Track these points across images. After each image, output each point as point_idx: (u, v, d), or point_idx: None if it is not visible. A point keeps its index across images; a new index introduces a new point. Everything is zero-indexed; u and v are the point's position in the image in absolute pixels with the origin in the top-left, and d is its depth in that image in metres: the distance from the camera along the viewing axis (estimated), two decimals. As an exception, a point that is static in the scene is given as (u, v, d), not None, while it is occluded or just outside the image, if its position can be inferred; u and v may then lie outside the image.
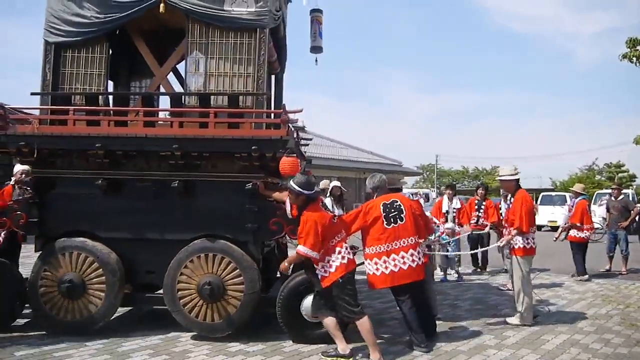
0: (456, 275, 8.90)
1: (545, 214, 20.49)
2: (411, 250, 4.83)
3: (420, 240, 5.06)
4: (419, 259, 4.88)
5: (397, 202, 4.95)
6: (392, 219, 4.84)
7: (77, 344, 4.78)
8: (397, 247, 4.79)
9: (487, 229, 9.18)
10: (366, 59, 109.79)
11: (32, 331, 5.15)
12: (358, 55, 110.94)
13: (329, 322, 4.46)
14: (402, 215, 4.88)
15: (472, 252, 9.15)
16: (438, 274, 8.58)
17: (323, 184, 8.39)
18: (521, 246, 5.80)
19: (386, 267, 4.77)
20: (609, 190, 13.50)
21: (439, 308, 6.42)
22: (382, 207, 4.87)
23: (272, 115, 5.63)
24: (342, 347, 4.42)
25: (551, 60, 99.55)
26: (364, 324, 4.39)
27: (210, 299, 4.85)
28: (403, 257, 4.78)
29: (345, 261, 4.42)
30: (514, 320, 5.79)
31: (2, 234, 5.77)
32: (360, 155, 31.38)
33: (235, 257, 4.94)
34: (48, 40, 5.26)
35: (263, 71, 5.16)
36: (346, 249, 4.49)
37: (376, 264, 4.80)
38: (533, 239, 5.89)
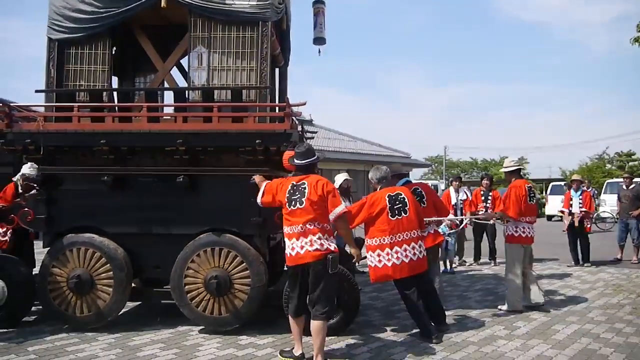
0: (451, 267, 8.87)
1: (556, 204, 20.30)
2: (413, 243, 4.82)
3: (425, 232, 5.13)
4: (421, 251, 4.87)
5: (401, 194, 4.94)
6: (396, 211, 4.82)
7: (89, 339, 4.83)
8: (400, 239, 4.77)
9: (492, 221, 9.13)
10: (375, 52, 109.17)
11: (45, 326, 5.20)
12: (367, 48, 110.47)
13: (293, 321, 4.25)
14: (406, 207, 4.86)
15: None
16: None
17: (337, 178, 8.34)
18: (510, 233, 5.97)
19: (389, 260, 4.75)
20: (620, 180, 13.41)
21: (449, 299, 6.43)
22: (387, 199, 4.85)
23: (277, 108, 5.61)
24: (296, 349, 4.26)
25: (561, 50, 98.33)
26: (291, 321, 4.25)
27: (217, 293, 4.87)
28: (406, 250, 4.76)
29: (291, 254, 4.13)
30: (504, 306, 5.96)
31: (9, 233, 5.84)
32: (368, 147, 31.22)
33: (241, 251, 4.95)
34: (51, 37, 5.28)
35: (266, 64, 5.15)
36: (288, 244, 4.14)
37: (379, 255, 4.78)
38: (525, 228, 5.95)
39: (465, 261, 9.64)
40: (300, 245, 4.07)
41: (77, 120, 5.09)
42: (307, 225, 4.06)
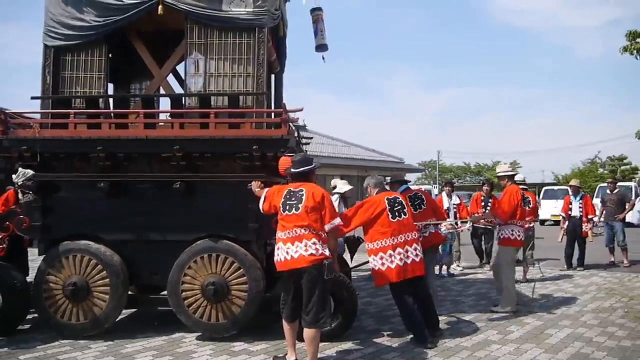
0: (448, 271, 9.02)
1: (548, 208, 20.41)
2: (414, 245, 4.86)
3: (426, 233, 5.34)
4: (420, 253, 4.90)
5: (398, 198, 5.02)
6: (397, 213, 4.87)
7: (81, 346, 4.80)
8: (402, 240, 4.80)
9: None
10: (368, 57, 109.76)
11: (37, 334, 5.16)
12: (359, 53, 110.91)
13: (285, 326, 4.27)
14: (404, 209, 4.93)
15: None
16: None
17: (334, 182, 8.53)
18: (506, 236, 6.14)
19: (392, 261, 4.75)
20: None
21: (442, 304, 6.45)
22: (386, 201, 4.90)
23: (273, 114, 5.63)
24: (290, 354, 4.27)
25: (554, 55, 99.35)
26: (285, 327, 4.28)
27: (214, 299, 4.85)
28: (407, 251, 4.79)
29: (285, 258, 4.11)
30: (499, 308, 6.11)
31: (5, 240, 5.80)
32: (362, 152, 31.34)
33: (239, 257, 4.94)
34: (47, 44, 5.28)
35: (263, 71, 5.17)
36: (280, 249, 4.15)
37: (382, 258, 4.78)
38: (520, 231, 6.18)
39: (458, 266, 9.70)
40: (294, 250, 4.07)
41: (73, 126, 5.08)
42: (302, 230, 4.08)
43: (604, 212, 10.48)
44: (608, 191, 10.76)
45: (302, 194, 4.16)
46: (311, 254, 4.04)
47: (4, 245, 5.87)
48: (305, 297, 4.11)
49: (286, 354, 4.28)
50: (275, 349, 4.71)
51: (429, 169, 53.05)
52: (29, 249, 6.31)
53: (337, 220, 4.26)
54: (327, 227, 4.17)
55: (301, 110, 4.98)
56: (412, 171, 36.90)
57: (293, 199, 4.17)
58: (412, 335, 4.94)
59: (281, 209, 4.19)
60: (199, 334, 5.06)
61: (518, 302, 6.23)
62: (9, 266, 5.31)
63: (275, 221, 4.78)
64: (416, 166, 40.59)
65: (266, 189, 4.48)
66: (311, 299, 4.07)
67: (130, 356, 4.55)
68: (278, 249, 4.18)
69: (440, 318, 5.36)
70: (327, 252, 4.12)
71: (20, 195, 5.70)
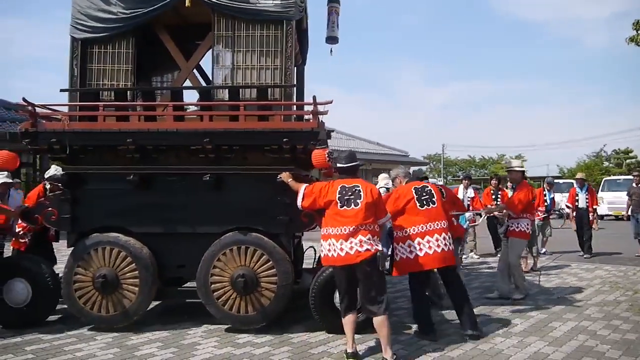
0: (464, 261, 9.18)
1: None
2: (444, 234, 4.82)
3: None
4: (450, 244, 4.86)
5: (427, 187, 5.03)
6: (424, 202, 4.87)
7: (87, 338, 4.84)
8: (431, 229, 4.77)
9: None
10: (373, 50, 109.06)
11: (43, 326, 5.18)
12: (365, 46, 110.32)
13: (345, 319, 4.25)
14: (433, 198, 4.92)
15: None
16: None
17: (381, 177, 8.61)
18: (521, 229, 6.39)
19: (420, 249, 4.73)
20: (618, 177, 13.73)
21: (446, 297, 6.46)
22: (413, 191, 4.92)
23: (304, 107, 5.61)
24: (349, 345, 4.27)
25: (559, 47, 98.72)
26: (344, 320, 4.27)
27: (243, 292, 4.87)
28: (437, 240, 4.75)
29: (329, 254, 4.19)
30: (517, 294, 6.37)
31: (29, 234, 5.87)
32: (366, 146, 31.29)
33: (268, 249, 4.96)
34: (75, 36, 5.26)
35: (291, 63, 5.17)
36: (333, 245, 4.15)
37: (410, 246, 4.76)
38: (528, 224, 6.48)
39: (475, 254, 9.91)
40: (349, 246, 4.09)
41: (102, 119, 5.08)
42: (359, 227, 4.11)
43: (631, 204, 10.57)
44: (634, 184, 10.83)
45: (360, 190, 4.21)
46: (367, 250, 4.08)
47: (26, 240, 5.93)
48: (364, 289, 4.15)
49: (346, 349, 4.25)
50: (280, 341, 4.73)
51: (434, 163, 53.01)
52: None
53: (385, 218, 4.42)
54: (381, 221, 4.30)
55: (331, 102, 4.95)
56: (416, 164, 36.84)
57: (350, 194, 4.20)
58: (416, 327, 4.93)
59: (338, 204, 4.19)
60: (204, 326, 5.11)
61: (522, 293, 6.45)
62: (38, 258, 5.35)
63: (305, 215, 4.82)
64: (421, 159, 40.51)
65: (304, 185, 4.48)
66: (371, 290, 4.13)
67: (135, 347, 4.57)
68: (330, 245, 4.17)
69: (444, 311, 5.34)
70: (379, 246, 4.17)
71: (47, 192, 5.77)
